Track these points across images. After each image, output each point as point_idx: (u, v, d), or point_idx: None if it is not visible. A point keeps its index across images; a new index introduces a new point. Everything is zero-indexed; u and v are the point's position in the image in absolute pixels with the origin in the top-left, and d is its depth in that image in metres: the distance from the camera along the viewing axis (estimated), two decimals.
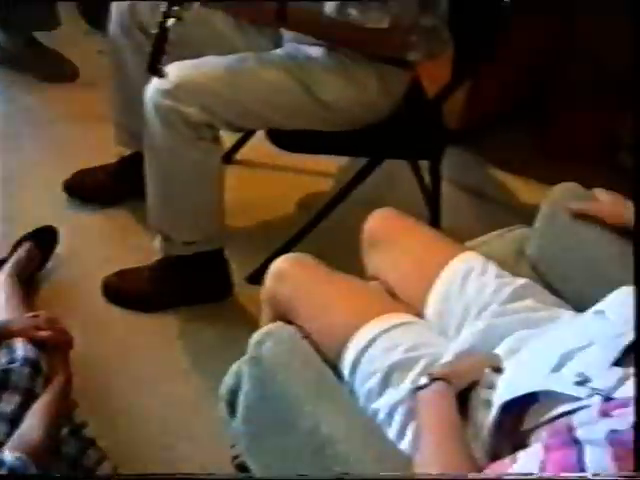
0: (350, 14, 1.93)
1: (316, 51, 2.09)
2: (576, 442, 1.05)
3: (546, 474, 1.03)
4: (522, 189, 2.90)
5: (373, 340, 1.44)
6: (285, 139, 2.17)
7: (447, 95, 2.18)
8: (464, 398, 1.34)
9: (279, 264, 1.63)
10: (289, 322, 1.57)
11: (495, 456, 1.20)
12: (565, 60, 3.02)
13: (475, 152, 3.02)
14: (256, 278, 2.22)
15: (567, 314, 1.51)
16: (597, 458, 1.02)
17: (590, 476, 1.00)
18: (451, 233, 2.52)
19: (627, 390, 1.16)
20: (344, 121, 2.13)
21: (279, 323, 1.49)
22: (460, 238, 1.81)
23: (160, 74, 1.85)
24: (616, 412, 1.10)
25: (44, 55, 3.09)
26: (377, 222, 1.72)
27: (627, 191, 2.89)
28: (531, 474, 1.04)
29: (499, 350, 1.41)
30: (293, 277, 1.60)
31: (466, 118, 2.89)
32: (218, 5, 2.06)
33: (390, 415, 1.38)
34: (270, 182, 2.78)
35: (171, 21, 1.81)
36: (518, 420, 1.25)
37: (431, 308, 1.56)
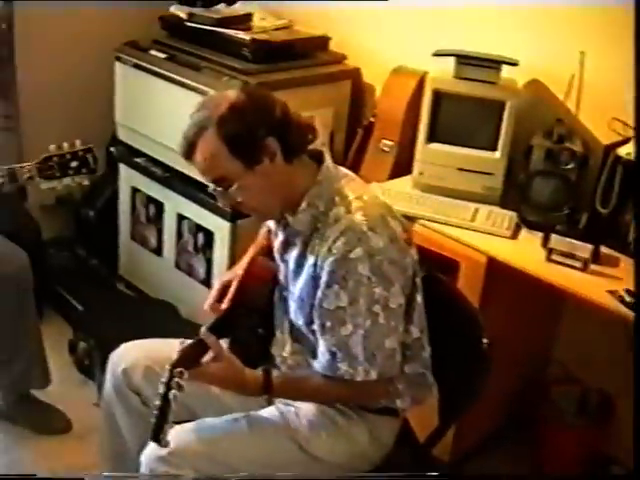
0: (340, 369, 2.00)
1: (305, 408, 2.14)
2: None
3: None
4: None
5: None
6: None
7: (436, 441, 2.22)
8: None
9: None
10: None
11: None
12: (547, 381, 3.12)
13: None
14: None
15: None
16: None
17: None
18: None
19: None
20: (337, 473, 2.14)
21: None
22: None
23: (163, 444, 1.88)
24: None
25: (36, 409, 3.14)
26: None
27: None
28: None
29: None
30: None
31: (455, 450, 2.91)
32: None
33: None
34: None
35: (173, 392, 1.86)
36: None
37: None
